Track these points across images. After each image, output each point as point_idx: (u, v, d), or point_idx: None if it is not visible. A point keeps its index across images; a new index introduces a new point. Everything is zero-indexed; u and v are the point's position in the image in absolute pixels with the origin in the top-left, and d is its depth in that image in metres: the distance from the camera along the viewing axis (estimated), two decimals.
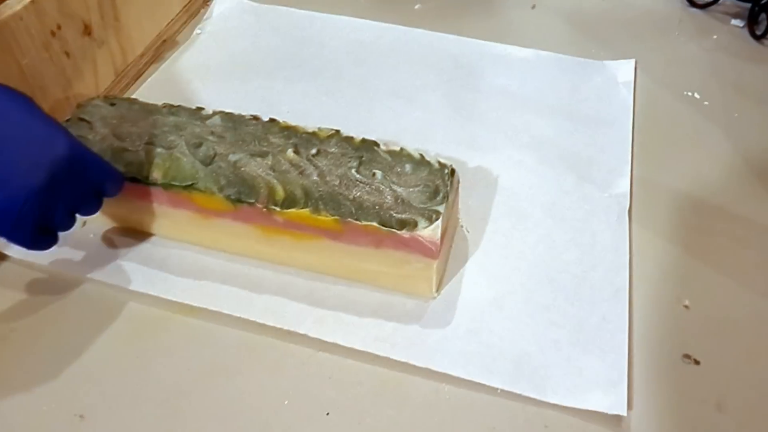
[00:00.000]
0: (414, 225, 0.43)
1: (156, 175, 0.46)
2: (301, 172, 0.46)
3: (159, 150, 0.47)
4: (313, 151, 0.47)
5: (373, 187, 0.45)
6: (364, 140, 0.49)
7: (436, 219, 0.44)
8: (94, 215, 0.45)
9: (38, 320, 0.45)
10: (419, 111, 0.62)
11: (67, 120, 0.49)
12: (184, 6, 0.71)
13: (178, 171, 0.46)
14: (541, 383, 0.42)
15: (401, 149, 0.48)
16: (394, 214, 0.44)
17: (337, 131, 0.49)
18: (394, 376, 0.43)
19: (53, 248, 0.43)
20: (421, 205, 0.44)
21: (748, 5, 0.74)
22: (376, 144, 0.49)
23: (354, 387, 0.42)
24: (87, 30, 0.56)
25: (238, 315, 0.45)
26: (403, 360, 0.43)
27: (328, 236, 0.45)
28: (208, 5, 0.74)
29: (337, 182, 0.45)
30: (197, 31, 0.71)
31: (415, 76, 0.66)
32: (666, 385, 0.43)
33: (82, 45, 0.55)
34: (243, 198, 0.45)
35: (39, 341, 0.44)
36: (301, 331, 0.44)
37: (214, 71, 0.66)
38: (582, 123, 0.61)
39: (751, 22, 0.73)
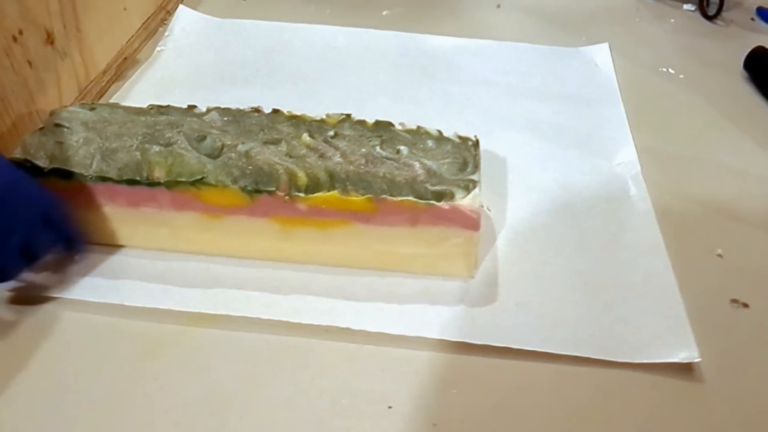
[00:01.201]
0: (451, 196, 0.40)
1: (158, 173, 0.41)
2: (321, 156, 0.42)
3: (157, 148, 0.42)
4: (331, 133, 0.44)
5: (401, 162, 0.42)
6: (378, 122, 0.46)
7: (474, 188, 0.41)
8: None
9: (26, 353, 0.39)
10: (409, 104, 0.60)
11: (41, 128, 0.43)
12: (144, 23, 0.66)
13: (184, 167, 0.41)
14: (605, 345, 0.39)
15: (418, 127, 0.46)
16: (429, 187, 0.41)
17: (348, 115, 0.46)
18: (450, 359, 0.39)
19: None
20: (454, 177, 0.42)
21: None
22: (390, 124, 0.46)
23: (411, 375, 0.38)
24: (49, 38, 0.51)
25: (267, 317, 0.40)
26: (458, 340, 0.39)
27: (359, 219, 0.41)
28: (165, 24, 0.70)
29: (362, 161, 0.42)
30: (159, 48, 0.66)
31: (395, 74, 0.65)
32: (723, 329, 0.41)
33: (45, 55, 0.50)
34: (261, 187, 0.40)
35: (35, 378, 0.37)
36: (342, 325, 0.40)
37: (183, 84, 0.61)
38: (572, 103, 0.61)
39: (702, 5, 0.76)
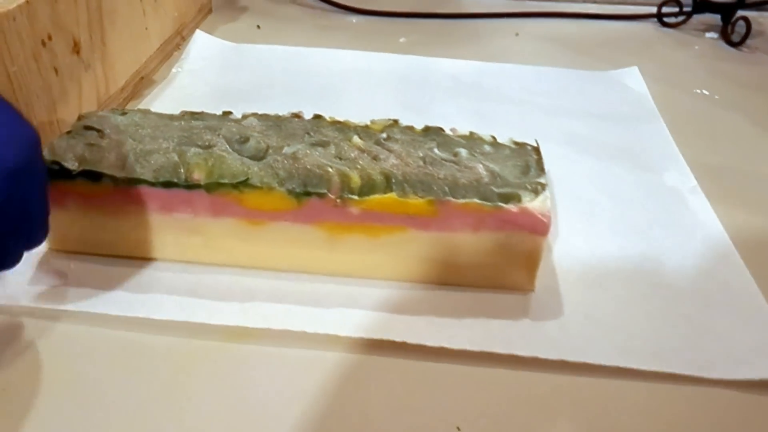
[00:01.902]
0: (519, 199, 0.37)
1: (197, 175, 0.37)
2: (374, 158, 0.39)
3: (195, 150, 0.39)
4: (383, 135, 0.41)
5: (462, 164, 0.39)
6: (427, 127, 0.43)
7: (542, 190, 0.38)
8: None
9: (49, 372, 0.34)
10: (441, 121, 0.57)
11: (68, 132, 0.40)
12: (161, 45, 0.64)
13: (225, 168, 0.38)
14: (693, 359, 0.36)
15: (471, 133, 0.43)
16: (495, 189, 0.38)
17: (395, 121, 0.43)
18: (517, 376, 0.35)
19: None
20: (518, 180, 0.39)
21: (717, 20, 0.78)
22: (441, 129, 0.43)
23: (478, 393, 0.34)
24: (76, 47, 0.48)
25: (312, 331, 0.36)
26: (528, 355, 0.35)
27: (416, 225, 0.38)
28: (180, 48, 0.68)
29: (420, 163, 0.39)
30: (175, 69, 0.64)
31: (420, 93, 0.63)
32: None
33: (71, 64, 0.47)
34: (310, 189, 0.37)
35: (58, 398, 0.33)
36: (397, 339, 0.36)
37: (201, 103, 0.58)
38: (609, 121, 0.59)
39: (726, 33, 0.76)
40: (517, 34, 0.77)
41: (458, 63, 0.68)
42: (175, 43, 0.68)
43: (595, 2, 0.86)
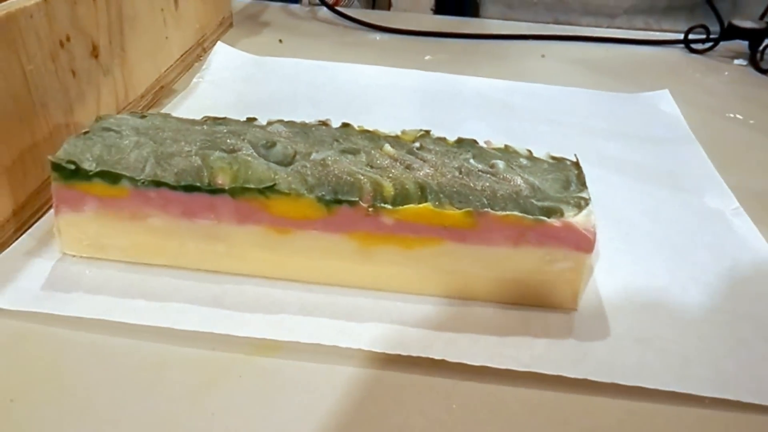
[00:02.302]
0: (561, 213, 0.35)
1: (221, 180, 0.35)
2: (407, 167, 0.37)
3: (219, 154, 0.37)
4: (416, 144, 0.39)
5: (501, 177, 0.37)
6: (461, 139, 0.41)
7: (585, 205, 0.36)
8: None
9: (53, 383, 0.32)
10: (470, 137, 0.56)
11: (85, 132, 0.38)
12: (182, 55, 0.63)
13: (251, 173, 0.35)
14: (756, 387, 0.33)
15: (506, 146, 0.41)
16: (535, 202, 0.35)
17: (427, 131, 0.42)
18: (564, 399, 0.32)
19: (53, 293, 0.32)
20: (559, 195, 0.36)
21: (745, 47, 0.76)
22: (475, 141, 0.41)
23: (524, 418, 0.31)
24: (95, 51, 0.46)
25: (345, 345, 0.34)
26: (580, 377, 0.33)
27: (453, 237, 0.35)
28: (201, 60, 0.67)
29: (456, 173, 0.37)
30: (196, 80, 0.62)
31: (448, 110, 0.61)
32: None
33: (89, 67, 0.46)
34: (341, 197, 0.35)
35: (63, 413, 0.30)
36: (436, 357, 0.33)
37: (223, 111, 0.56)
38: (643, 143, 0.57)
39: (755, 60, 0.75)
40: (543, 56, 0.76)
41: (487, 81, 0.66)
42: (196, 55, 0.67)
43: (620, 28, 0.85)
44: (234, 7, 0.77)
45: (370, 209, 0.35)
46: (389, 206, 0.35)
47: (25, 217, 0.41)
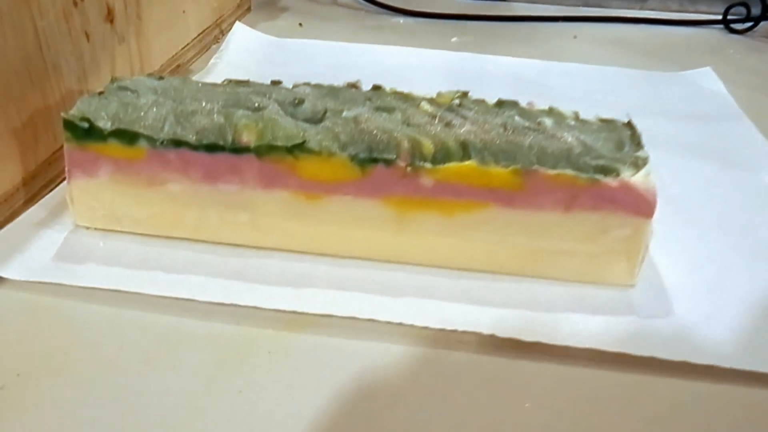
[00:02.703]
0: (617, 173, 0.32)
1: (246, 138, 0.32)
2: (447, 124, 0.34)
3: (243, 112, 0.34)
4: (456, 101, 0.36)
5: (549, 134, 0.34)
6: (501, 100, 0.38)
7: (644, 164, 0.32)
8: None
9: (63, 358, 0.29)
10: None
11: (100, 92, 0.35)
12: (199, 34, 0.60)
13: (278, 131, 0.33)
14: None
15: (551, 107, 0.38)
16: (589, 161, 0.32)
17: (465, 92, 0.38)
18: (631, 381, 0.29)
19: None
20: (613, 155, 0.33)
21: None
22: (516, 102, 0.38)
23: (583, 400, 0.28)
24: (109, 15, 0.44)
25: (385, 319, 0.30)
26: (646, 355, 0.29)
27: (499, 200, 0.32)
28: (218, 42, 0.65)
29: (500, 130, 0.33)
30: (214, 60, 0.60)
31: (478, 91, 0.57)
32: None
33: (103, 32, 0.43)
34: (377, 155, 0.32)
35: (73, 390, 0.27)
36: (485, 332, 0.30)
37: None
38: (689, 120, 0.54)
39: None
40: (575, 37, 0.72)
41: (519, 60, 0.63)
42: (214, 36, 0.64)
43: (653, 9, 0.81)
44: None
45: (408, 169, 0.32)
46: (429, 165, 0.32)
47: (36, 188, 0.38)
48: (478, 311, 0.32)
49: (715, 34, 0.75)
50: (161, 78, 0.38)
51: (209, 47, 0.63)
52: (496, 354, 0.30)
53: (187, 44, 0.58)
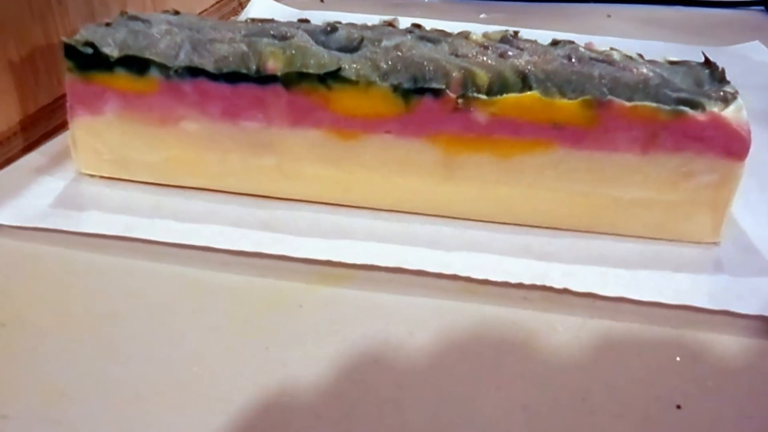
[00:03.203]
0: (703, 107, 0.27)
1: (272, 65, 0.28)
2: (501, 55, 0.30)
3: (269, 40, 0.30)
4: (510, 31, 0.32)
5: (621, 65, 0.29)
6: (556, 40, 0.34)
7: (733, 99, 0.28)
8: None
9: (55, 311, 0.24)
10: None
11: (107, 24, 0.31)
12: (218, 2, 0.57)
13: (309, 58, 0.28)
14: None
15: (611, 48, 0.34)
16: (670, 93, 0.28)
17: (516, 32, 0.34)
18: (733, 343, 0.24)
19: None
20: (694, 89, 0.29)
21: None
22: (572, 42, 0.34)
23: (687, 362, 0.23)
24: None
25: (436, 270, 0.26)
26: (752, 313, 0.25)
27: (565, 140, 0.28)
28: (237, 14, 0.61)
29: (564, 61, 0.29)
30: None
31: None
32: None
33: None
34: (423, 85, 0.28)
35: (64, 343, 0.23)
36: (556, 285, 0.26)
37: None
38: (746, 90, 0.49)
39: None
40: (609, 16, 0.68)
41: (555, 34, 0.59)
42: (233, 8, 0.61)
43: None
44: None
45: (460, 101, 0.27)
46: (484, 96, 0.27)
47: (36, 136, 0.34)
48: (544, 266, 0.27)
49: (756, 15, 0.71)
50: (177, 13, 0.34)
51: (227, 18, 0.60)
52: (566, 311, 0.25)
53: (205, 10, 0.54)
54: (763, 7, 0.72)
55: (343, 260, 0.26)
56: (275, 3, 0.62)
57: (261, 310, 0.25)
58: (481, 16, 0.66)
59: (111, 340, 0.23)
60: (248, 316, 0.24)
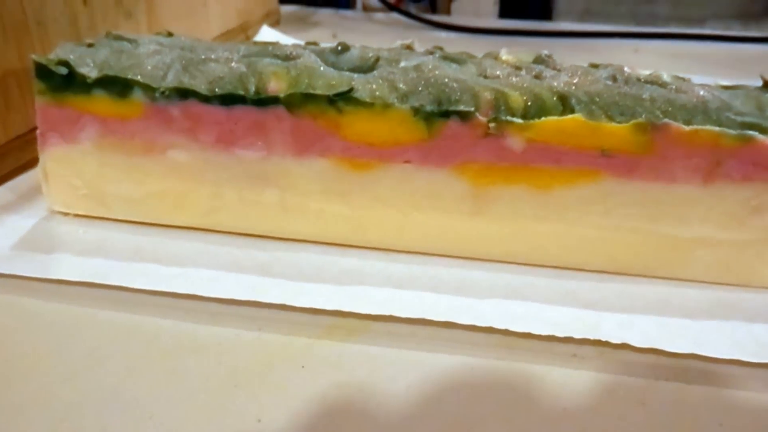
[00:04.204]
0: None
1: (275, 86, 0.25)
2: (537, 76, 0.26)
3: (271, 60, 0.26)
4: (545, 52, 0.28)
5: (672, 88, 0.26)
6: (594, 63, 0.30)
7: None
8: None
9: (24, 368, 0.20)
10: None
11: (89, 44, 0.28)
12: (222, 34, 0.54)
13: (316, 79, 0.25)
14: None
15: (654, 72, 0.30)
16: (733, 117, 0.24)
17: (549, 55, 0.31)
18: None
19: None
20: (758, 114, 0.25)
21: None
22: (613, 65, 0.30)
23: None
24: None
25: (469, 322, 0.22)
26: None
27: (616, 169, 0.24)
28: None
29: (608, 82, 0.25)
30: None
31: None
32: None
33: (105, 0, 0.36)
34: (449, 108, 0.24)
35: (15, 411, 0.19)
36: (614, 340, 0.21)
37: None
38: None
39: None
40: (636, 51, 0.66)
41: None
42: (239, 40, 0.58)
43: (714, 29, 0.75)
44: (281, 11, 0.70)
45: (492, 125, 0.24)
46: (519, 120, 0.24)
47: (6, 170, 0.30)
48: (594, 316, 0.23)
49: None
50: (170, 35, 0.30)
51: None
52: (628, 373, 0.21)
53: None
54: None
55: (354, 310, 0.22)
56: (284, 36, 0.59)
57: (255, 371, 0.20)
58: (502, 50, 0.64)
59: (66, 412, 0.19)
60: (238, 380, 0.20)
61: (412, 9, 0.77)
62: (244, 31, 0.59)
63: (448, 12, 0.78)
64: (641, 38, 0.69)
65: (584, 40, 0.68)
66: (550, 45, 0.66)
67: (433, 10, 0.79)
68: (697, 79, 0.41)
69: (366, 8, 0.77)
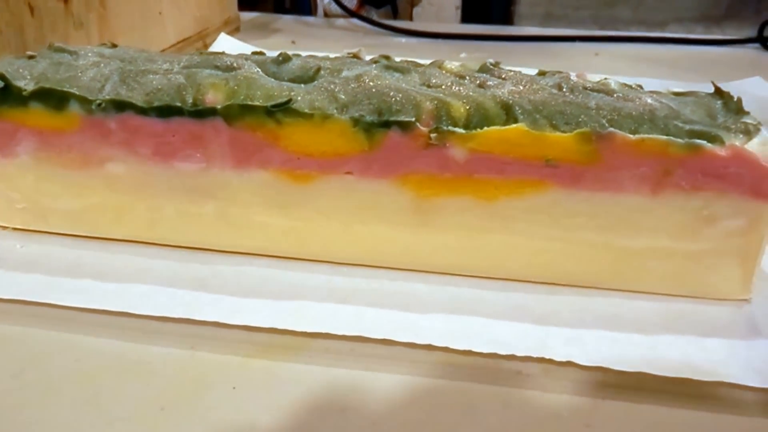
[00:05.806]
0: (721, 141, 0.23)
1: (212, 97, 0.24)
2: (481, 85, 0.25)
3: (211, 71, 0.25)
4: (490, 60, 0.28)
5: (619, 95, 0.25)
6: (543, 71, 0.30)
7: (756, 131, 0.24)
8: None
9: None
10: None
11: (30, 56, 0.27)
12: (178, 42, 0.53)
13: (255, 90, 0.24)
14: None
15: (605, 78, 0.29)
16: (681, 125, 0.24)
17: (497, 62, 0.30)
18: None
19: None
20: (707, 122, 0.25)
21: None
22: (561, 72, 0.30)
23: None
24: None
25: (408, 340, 0.21)
26: None
27: (561, 179, 0.23)
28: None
29: (554, 90, 0.25)
30: None
31: None
32: None
33: (53, 10, 0.36)
34: (390, 118, 0.23)
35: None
36: (558, 358, 0.21)
37: None
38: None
39: None
40: (597, 54, 0.66)
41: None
42: (196, 48, 0.57)
43: (675, 33, 0.75)
44: (241, 18, 0.69)
45: (433, 135, 0.23)
46: (461, 130, 0.23)
47: None
48: (541, 331, 0.22)
49: (751, 52, 0.68)
50: (114, 46, 0.30)
51: None
52: (574, 392, 0.20)
53: (164, 50, 0.51)
54: (758, 45, 0.69)
55: (291, 328, 0.22)
56: (241, 43, 0.59)
57: (183, 394, 0.20)
58: (462, 55, 0.63)
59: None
60: (166, 402, 0.19)
61: (374, 15, 0.77)
62: (202, 39, 0.58)
63: (409, 17, 0.78)
64: (602, 42, 0.69)
65: (545, 44, 0.68)
66: (511, 49, 0.66)
67: (395, 15, 0.78)
68: (656, 82, 0.41)
69: (327, 14, 0.76)
